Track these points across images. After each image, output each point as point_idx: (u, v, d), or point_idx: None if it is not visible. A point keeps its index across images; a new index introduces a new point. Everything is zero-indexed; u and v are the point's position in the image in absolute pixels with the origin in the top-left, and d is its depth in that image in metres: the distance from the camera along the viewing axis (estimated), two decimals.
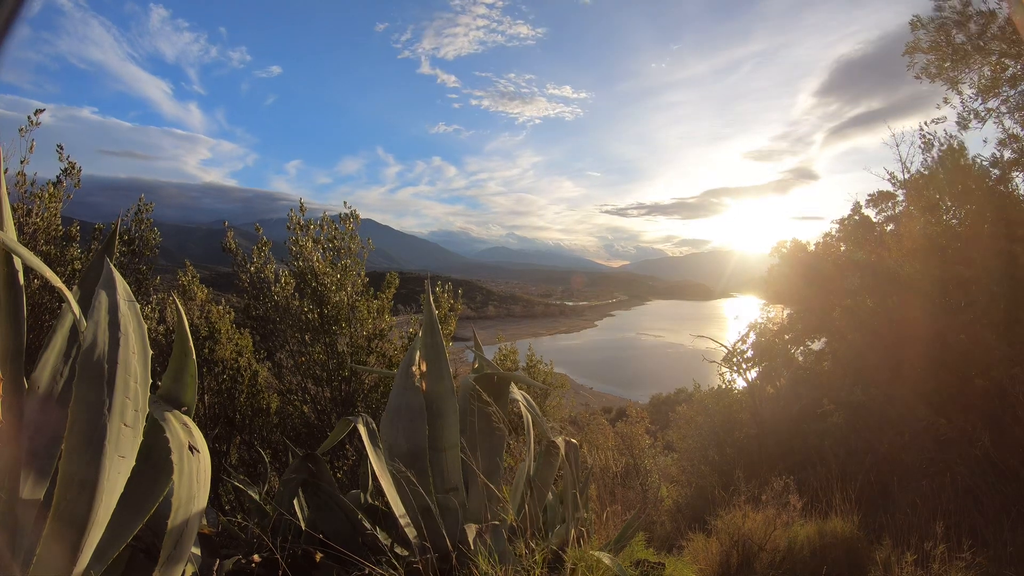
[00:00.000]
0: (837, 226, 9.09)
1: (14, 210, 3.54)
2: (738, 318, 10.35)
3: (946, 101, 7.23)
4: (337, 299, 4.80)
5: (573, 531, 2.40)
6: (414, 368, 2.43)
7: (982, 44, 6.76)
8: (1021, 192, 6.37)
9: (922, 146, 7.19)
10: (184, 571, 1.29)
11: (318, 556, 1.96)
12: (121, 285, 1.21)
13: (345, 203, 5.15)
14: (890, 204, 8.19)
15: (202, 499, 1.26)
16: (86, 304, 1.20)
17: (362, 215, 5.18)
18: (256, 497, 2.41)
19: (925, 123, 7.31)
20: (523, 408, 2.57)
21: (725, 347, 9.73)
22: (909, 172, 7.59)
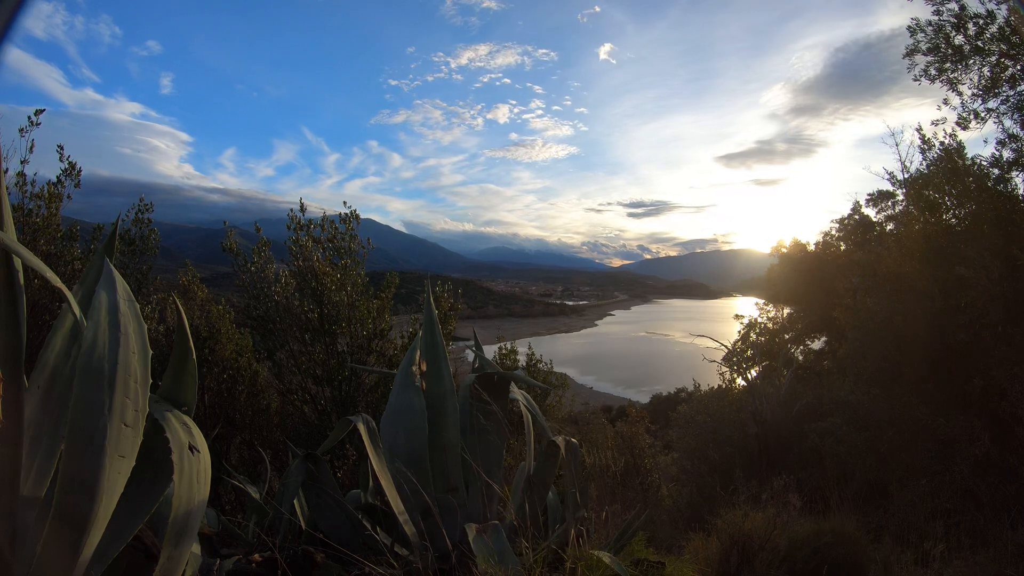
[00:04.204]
0: (836, 225, 9.11)
1: (14, 210, 3.54)
2: (740, 317, 10.38)
3: (946, 102, 7.24)
4: (337, 299, 4.80)
5: (573, 530, 2.39)
6: (414, 368, 2.43)
7: (981, 45, 6.76)
8: (1021, 192, 6.37)
9: (921, 146, 7.19)
10: (184, 571, 1.29)
11: (318, 556, 1.96)
12: (121, 285, 1.21)
13: (345, 203, 5.18)
14: (890, 203, 8.20)
15: (202, 499, 1.26)
16: (86, 304, 1.20)
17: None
18: (256, 497, 2.41)
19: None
20: (523, 408, 2.57)
21: (726, 346, 9.75)
22: (909, 171, 7.60)
